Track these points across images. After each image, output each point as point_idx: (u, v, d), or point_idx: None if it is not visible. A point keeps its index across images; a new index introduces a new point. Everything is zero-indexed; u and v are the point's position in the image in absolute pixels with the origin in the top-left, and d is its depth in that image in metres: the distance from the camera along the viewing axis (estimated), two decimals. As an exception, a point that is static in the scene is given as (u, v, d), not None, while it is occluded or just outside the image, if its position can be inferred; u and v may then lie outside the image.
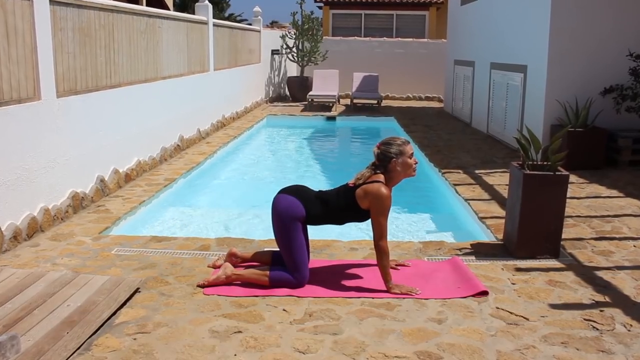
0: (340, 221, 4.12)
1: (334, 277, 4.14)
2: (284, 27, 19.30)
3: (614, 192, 6.58)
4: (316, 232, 4.63)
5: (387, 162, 3.93)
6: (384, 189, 3.83)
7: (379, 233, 3.84)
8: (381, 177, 3.91)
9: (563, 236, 4.70)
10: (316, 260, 4.44)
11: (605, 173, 7.53)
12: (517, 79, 9.37)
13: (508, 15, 10.02)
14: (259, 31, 15.54)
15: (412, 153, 3.99)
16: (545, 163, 4.57)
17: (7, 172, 4.73)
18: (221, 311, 3.62)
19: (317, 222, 4.04)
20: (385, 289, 3.90)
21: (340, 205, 3.95)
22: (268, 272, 3.97)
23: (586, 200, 6.24)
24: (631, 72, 7.89)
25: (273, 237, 4.09)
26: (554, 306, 3.74)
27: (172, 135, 8.70)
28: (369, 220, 3.93)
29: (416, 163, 4.00)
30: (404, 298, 3.82)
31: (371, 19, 21.62)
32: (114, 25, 6.66)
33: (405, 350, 3.17)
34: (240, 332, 3.35)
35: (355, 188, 3.91)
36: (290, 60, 17.58)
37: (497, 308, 3.70)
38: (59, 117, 5.48)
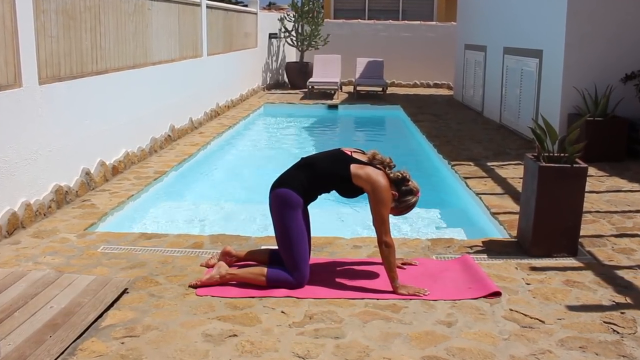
0: (325, 187, 4.06)
1: (336, 277, 4.13)
2: (282, 9, 19.25)
3: (636, 186, 6.57)
4: (317, 229, 4.62)
5: (398, 186, 3.97)
6: (383, 180, 3.86)
7: (382, 228, 3.85)
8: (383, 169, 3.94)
9: (581, 233, 4.68)
10: (317, 258, 4.43)
11: (627, 165, 7.51)
12: (532, 65, 9.34)
13: (522, -4, 9.98)
14: (256, 13, 15.50)
15: (399, 212, 4.05)
16: (562, 155, 4.56)
17: (-14, 165, 4.72)
18: (215, 313, 3.61)
19: (310, 194, 4.01)
20: (390, 289, 3.90)
21: (327, 170, 3.96)
22: (265, 272, 3.96)
23: (606, 195, 6.22)
24: (654, 57, 7.87)
25: (270, 234, 4.10)
26: (572, 308, 3.73)
27: (162, 125, 8.68)
28: (363, 209, 3.94)
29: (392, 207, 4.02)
30: (411, 299, 3.81)
31: (376, 1, 21.54)
32: (100, 7, 6.63)
33: (412, 355, 3.16)
34: (235, 335, 3.35)
35: (352, 160, 3.92)
36: (289, 44, 17.54)
37: (511, 310, 3.69)
38: (41, 106, 5.46)
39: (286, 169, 4.17)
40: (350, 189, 3.96)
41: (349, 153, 3.98)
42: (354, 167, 3.89)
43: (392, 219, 3.96)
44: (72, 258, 4.47)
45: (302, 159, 4.15)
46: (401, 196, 3.99)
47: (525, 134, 9.36)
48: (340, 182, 3.96)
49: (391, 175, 3.97)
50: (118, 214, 5.80)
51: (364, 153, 4.07)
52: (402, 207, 4.03)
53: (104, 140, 6.72)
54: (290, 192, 3.92)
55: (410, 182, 4.01)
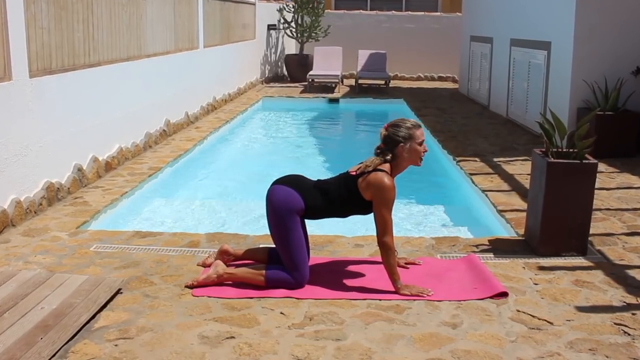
0: (342, 214, 4.13)
1: (337, 277, 4.13)
2: (281, -1, 19.22)
3: (648, 183, 6.57)
4: (317, 227, 4.61)
5: (393, 147, 3.93)
6: (387, 179, 3.84)
7: (383, 228, 3.84)
8: (386, 167, 3.91)
9: (591, 231, 4.67)
10: (317, 258, 4.43)
11: (638, 161, 7.50)
12: (539, 57, 9.32)
13: (530, -14, 9.96)
14: (254, 4, 15.47)
15: (423, 140, 3.98)
16: (571, 150, 4.55)
17: (-25, 161, 4.72)
18: (212, 314, 3.61)
19: (317, 215, 4.04)
20: (393, 289, 3.89)
21: (342, 196, 3.95)
22: (264, 271, 3.96)
23: (616, 192, 6.22)
24: (667, 49, 7.85)
25: (269, 233, 4.07)
26: (581, 309, 3.72)
27: (157, 120, 8.67)
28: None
29: (425, 151, 4.00)
30: (414, 300, 3.81)
31: (378, -9, 21.50)
32: (92, -3, 6.62)
33: (416, 357, 3.16)
34: (233, 337, 3.34)
35: (357, 177, 3.91)
36: (289, 36, 17.52)
37: (518, 311, 3.69)
38: (32, 100, 5.45)
39: (297, 174, 4.16)
40: (366, 205, 3.94)
41: (354, 173, 3.98)
42: (359, 183, 3.90)
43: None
44: (64, 257, 4.47)
45: (319, 181, 4.12)
46: (405, 136, 3.90)
47: (533, 129, 9.35)
48: (356, 205, 3.96)
49: (387, 155, 3.92)
50: (111, 211, 5.79)
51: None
52: (412, 135, 3.91)
53: (96, 135, 6.71)
54: (299, 197, 3.91)
55: (396, 131, 3.92)
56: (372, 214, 3.95)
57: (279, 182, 4.04)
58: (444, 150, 8.41)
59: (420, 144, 3.96)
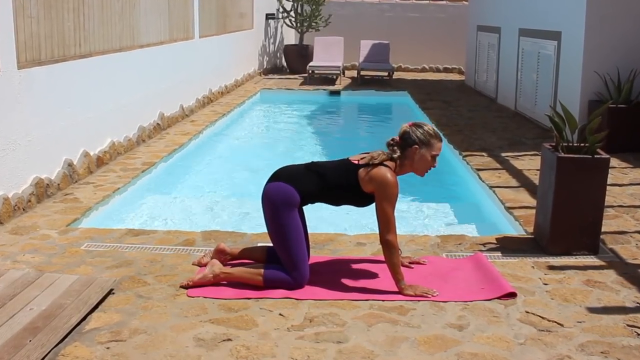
0: (336, 201, 4.13)
1: (338, 277, 4.13)
2: (280, -13, 19.20)
3: (662, 178, 6.56)
4: (317, 225, 4.61)
5: (407, 145, 3.96)
6: (389, 175, 3.85)
7: (386, 226, 3.85)
8: (391, 164, 3.93)
9: (603, 229, 4.67)
10: (317, 257, 4.43)
11: (652, 156, 7.50)
12: (549, 48, 9.30)
13: (540, -27, 9.94)
14: (252, -8, 15.47)
15: (438, 154, 4.02)
16: (582, 145, 4.55)
17: (-40, 156, 4.72)
18: (208, 316, 3.61)
19: (310, 199, 4.04)
20: (397, 290, 3.89)
21: (339, 182, 3.97)
22: (262, 271, 3.96)
23: (629, 188, 6.21)
24: (682, 39, 7.84)
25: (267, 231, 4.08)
26: (593, 310, 3.72)
27: (151, 113, 8.67)
28: (368, 207, 3.96)
29: (434, 167, 4.04)
30: (419, 301, 3.81)
31: (381, -22, 21.47)
32: (83, -15, 6.61)
33: (421, 361, 3.16)
34: (229, 340, 3.34)
35: (359, 167, 3.91)
36: (288, 25, 17.50)
37: (527, 312, 3.68)
38: (20, 92, 5.45)
39: (288, 164, 4.17)
40: (364, 198, 3.96)
41: (356, 162, 3.98)
42: (360, 174, 3.90)
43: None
44: (54, 256, 4.47)
45: (313, 163, 4.14)
46: (422, 140, 3.95)
47: (543, 123, 9.34)
48: (353, 195, 3.98)
49: (399, 152, 3.95)
50: (103, 208, 5.79)
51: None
52: (430, 142, 3.97)
53: (87, 129, 6.71)
54: (293, 190, 3.92)
55: (415, 131, 3.98)
56: (366, 207, 4.00)
57: (270, 180, 4.04)
58: (450, 144, 8.40)
59: (434, 157, 3.99)
